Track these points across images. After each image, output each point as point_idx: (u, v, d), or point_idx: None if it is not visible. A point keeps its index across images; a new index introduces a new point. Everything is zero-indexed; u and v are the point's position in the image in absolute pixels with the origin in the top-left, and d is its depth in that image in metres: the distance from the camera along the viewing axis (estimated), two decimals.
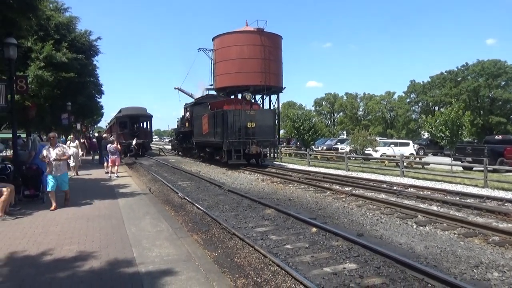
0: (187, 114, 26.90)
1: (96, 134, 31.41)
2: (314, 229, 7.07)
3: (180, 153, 32.43)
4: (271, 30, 33.98)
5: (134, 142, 27.17)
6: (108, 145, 15.56)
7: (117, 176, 14.57)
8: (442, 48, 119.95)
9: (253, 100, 20.57)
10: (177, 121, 33.10)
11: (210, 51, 34.75)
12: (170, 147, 52.58)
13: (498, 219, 7.92)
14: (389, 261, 5.25)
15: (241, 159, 18.68)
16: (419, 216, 8.15)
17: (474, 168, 18.45)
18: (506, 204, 9.34)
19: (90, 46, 18.50)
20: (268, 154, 22.94)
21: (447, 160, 20.78)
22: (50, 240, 5.75)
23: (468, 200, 9.88)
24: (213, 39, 34.82)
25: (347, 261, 5.41)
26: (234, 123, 18.64)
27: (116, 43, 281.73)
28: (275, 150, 21.35)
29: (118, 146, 15.74)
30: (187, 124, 26.86)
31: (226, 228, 7.16)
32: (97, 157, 21.88)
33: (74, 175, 14.55)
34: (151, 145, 35.82)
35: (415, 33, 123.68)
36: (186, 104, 29.59)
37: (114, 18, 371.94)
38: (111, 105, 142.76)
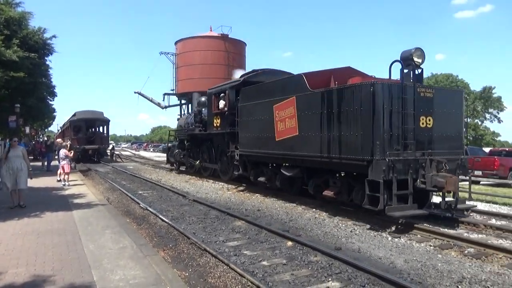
0: (221, 103, 14.79)
1: (46, 139, 29.32)
2: (289, 243, 6.71)
3: (182, 168, 20.61)
4: (234, 37, 33.78)
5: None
6: (60, 150, 14.52)
7: (69, 185, 13.59)
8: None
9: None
10: (178, 119, 22.86)
11: (173, 55, 33.92)
12: (126, 152, 50.72)
13: (467, 229, 7.96)
14: (374, 278, 4.98)
15: (409, 203, 7.86)
16: (393, 228, 8.02)
17: None
18: (472, 214, 9.47)
19: (44, 45, 17.30)
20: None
21: None
22: None
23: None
24: (175, 43, 34.05)
25: (330, 279, 5.08)
26: (394, 117, 7.88)
27: (72, 43, 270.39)
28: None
29: (68, 152, 14.63)
30: (216, 122, 15.08)
31: (195, 243, 6.62)
32: (46, 163, 20.47)
33: (12, 206, 9.20)
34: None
35: (372, 45, 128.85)
36: (217, 86, 15.82)
37: (69, 17, 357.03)
38: (65, 109, 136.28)
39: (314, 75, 10.27)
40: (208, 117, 16.03)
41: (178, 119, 22.79)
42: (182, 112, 35.05)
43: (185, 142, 19.29)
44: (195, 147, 18.22)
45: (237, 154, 13.41)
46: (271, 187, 12.24)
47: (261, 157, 12.13)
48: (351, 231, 7.77)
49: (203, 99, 17.59)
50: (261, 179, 12.46)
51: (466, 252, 6.39)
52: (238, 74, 15.99)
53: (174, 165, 21.46)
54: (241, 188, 13.96)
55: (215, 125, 15.27)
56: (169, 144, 22.72)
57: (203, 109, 17.16)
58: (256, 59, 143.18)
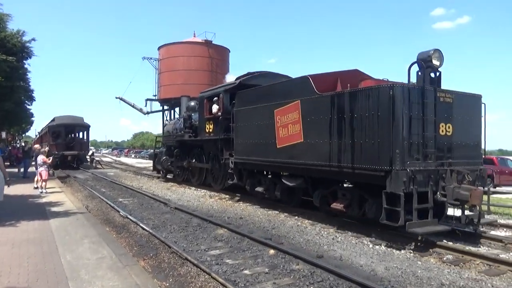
0: (214, 107, 14.07)
1: (23, 144, 28.58)
2: (271, 251, 6.69)
3: (170, 176, 19.60)
4: (218, 43, 33.81)
5: None
6: (38, 156, 14.21)
7: (46, 192, 13.26)
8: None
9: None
10: (165, 124, 21.94)
11: (155, 60, 33.70)
12: (106, 158, 49.85)
13: (447, 236, 8.10)
14: (356, 286, 5.01)
15: (429, 218, 7.23)
16: (373, 234, 8.10)
17: None
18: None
19: (23, 48, 16.92)
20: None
21: None
22: None
23: None
24: (158, 48, 33.87)
25: None
26: (414, 124, 7.28)
27: (51, 46, 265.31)
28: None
29: (46, 158, 14.31)
30: (209, 127, 14.33)
31: (176, 252, 6.53)
32: (22, 169, 19.97)
33: None
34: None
35: (355, 54, 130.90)
36: (209, 90, 15.38)
37: (49, 19, 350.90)
38: (43, 113, 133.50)
39: (320, 77, 9.39)
40: (200, 122, 15.16)
41: (165, 125, 21.17)
42: (165, 118, 34.76)
43: (173, 149, 18.13)
44: (184, 154, 17.23)
45: (231, 162, 12.45)
46: (269, 197, 11.37)
47: (260, 165, 11.24)
48: (333, 239, 7.80)
49: (192, 103, 17.05)
50: (259, 189, 11.51)
51: (445, 259, 6.50)
52: (229, 79, 15.25)
53: (161, 172, 20.33)
54: (224, 195, 13.88)
55: (207, 130, 14.40)
56: (156, 151, 21.55)
57: (193, 114, 16.48)
58: (241, 66, 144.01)
